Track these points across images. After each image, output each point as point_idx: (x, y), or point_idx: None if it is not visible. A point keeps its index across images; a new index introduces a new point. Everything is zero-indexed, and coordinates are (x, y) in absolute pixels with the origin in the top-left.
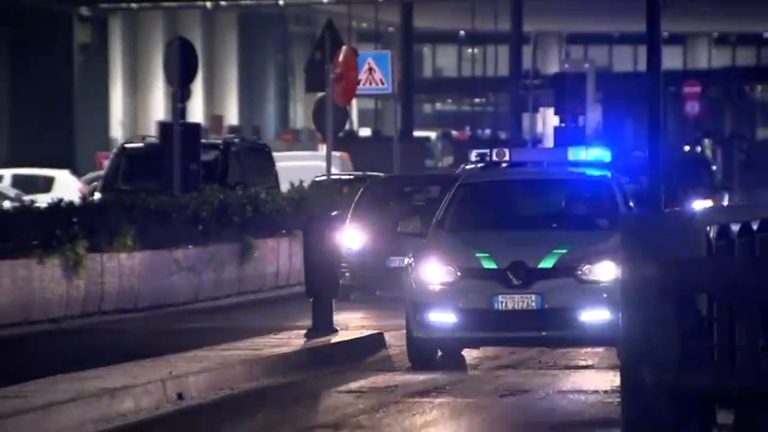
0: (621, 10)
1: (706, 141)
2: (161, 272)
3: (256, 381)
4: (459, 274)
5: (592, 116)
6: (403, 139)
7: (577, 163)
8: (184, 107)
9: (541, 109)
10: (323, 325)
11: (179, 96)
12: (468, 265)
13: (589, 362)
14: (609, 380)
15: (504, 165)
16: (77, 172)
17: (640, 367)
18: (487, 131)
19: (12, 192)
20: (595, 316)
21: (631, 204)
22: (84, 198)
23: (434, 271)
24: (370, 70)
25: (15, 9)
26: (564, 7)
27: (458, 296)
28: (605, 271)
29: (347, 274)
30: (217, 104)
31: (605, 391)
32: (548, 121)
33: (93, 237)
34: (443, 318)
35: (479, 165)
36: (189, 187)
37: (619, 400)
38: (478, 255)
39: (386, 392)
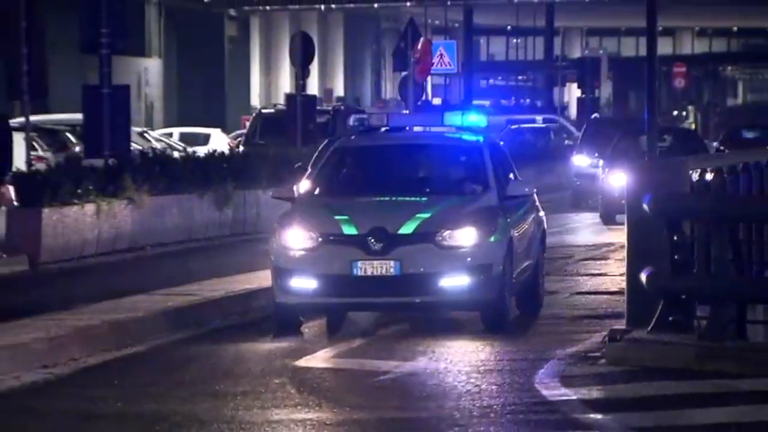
0: (627, 9)
1: (690, 107)
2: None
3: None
4: (320, 239)
5: (605, 89)
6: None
7: (452, 128)
8: (305, 83)
9: (568, 84)
10: None
11: (301, 75)
12: (328, 230)
13: (602, 270)
14: (617, 284)
15: (384, 130)
16: (226, 131)
17: (641, 274)
18: (528, 101)
19: (180, 145)
20: (454, 281)
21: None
22: (231, 150)
23: (296, 237)
24: (441, 55)
25: (182, 11)
26: (584, 8)
27: (318, 262)
28: (465, 236)
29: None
30: (328, 80)
31: (613, 292)
32: (573, 93)
33: (238, 179)
34: (304, 284)
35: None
36: (307, 141)
37: (623, 298)
38: (338, 220)
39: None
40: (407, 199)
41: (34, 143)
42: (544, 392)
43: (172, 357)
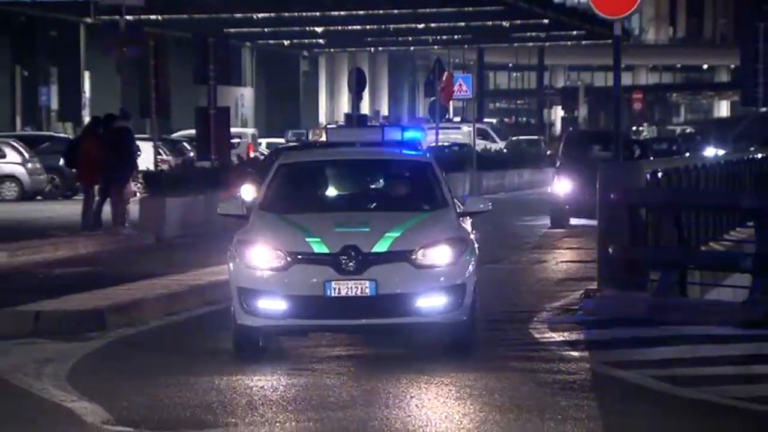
0: (599, 51)
1: (645, 124)
2: None
3: None
4: (289, 258)
5: (582, 110)
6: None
7: (390, 143)
8: (359, 105)
9: (554, 106)
10: None
11: (356, 99)
12: (298, 249)
13: (578, 245)
14: (590, 255)
15: (320, 145)
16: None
17: (608, 246)
18: (524, 119)
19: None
20: (430, 301)
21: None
22: None
23: (262, 255)
24: (460, 85)
25: (269, 52)
26: (566, 50)
27: (288, 282)
28: (440, 254)
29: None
30: (376, 103)
31: (587, 261)
32: (558, 113)
33: None
34: (272, 305)
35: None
36: None
37: (596, 266)
38: (308, 239)
39: None
40: (370, 215)
41: (160, 150)
42: (536, 335)
43: None
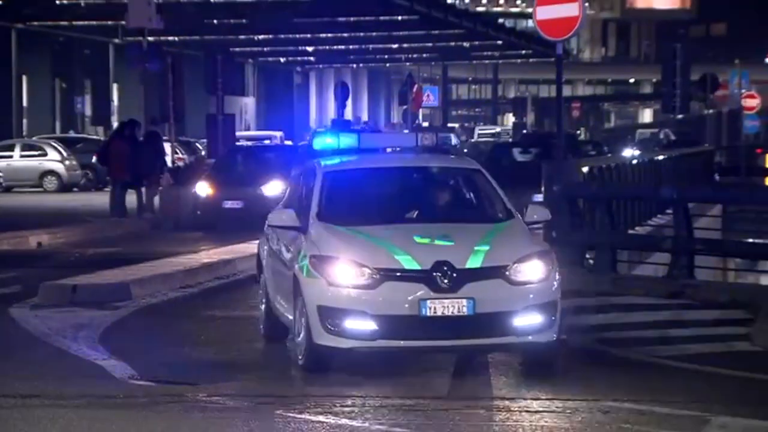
0: (544, 68)
1: (582, 128)
2: None
3: None
4: (377, 276)
5: (530, 117)
6: (444, 128)
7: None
8: (343, 112)
9: (506, 114)
10: None
11: (340, 107)
12: (386, 265)
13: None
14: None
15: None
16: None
17: (552, 231)
18: (481, 123)
19: None
20: (527, 320)
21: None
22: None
23: (346, 273)
24: (428, 95)
25: (268, 67)
26: (516, 67)
27: (379, 301)
28: (534, 270)
29: (198, 212)
30: (357, 111)
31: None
32: (509, 119)
33: None
34: (360, 325)
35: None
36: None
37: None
38: (396, 254)
39: None
40: (446, 227)
41: (177, 149)
42: None
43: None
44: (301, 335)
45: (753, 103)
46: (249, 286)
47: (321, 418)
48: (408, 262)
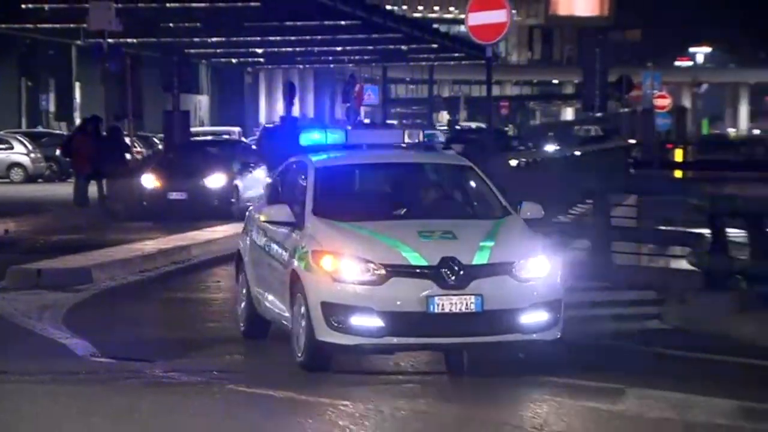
0: (475, 70)
1: (511, 125)
2: None
3: None
4: (383, 272)
5: (462, 115)
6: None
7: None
8: (291, 109)
9: (441, 112)
10: None
11: (288, 105)
12: (393, 261)
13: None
14: None
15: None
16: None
17: None
18: (418, 121)
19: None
20: (534, 317)
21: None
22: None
23: (351, 268)
24: (369, 94)
25: (220, 68)
26: (451, 69)
27: (386, 297)
28: (540, 267)
29: (145, 203)
30: (304, 108)
31: None
32: (444, 117)
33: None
34: (367, 322)
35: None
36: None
37: None
38: (402, 250)
39: None
40: (447, 223)
41: (135, 143)
42: None
43: (218, 263)
44: (300, 332)
45: (664, 102)
46: (203, 271)
47: (271, 392)
48: (415, 259)
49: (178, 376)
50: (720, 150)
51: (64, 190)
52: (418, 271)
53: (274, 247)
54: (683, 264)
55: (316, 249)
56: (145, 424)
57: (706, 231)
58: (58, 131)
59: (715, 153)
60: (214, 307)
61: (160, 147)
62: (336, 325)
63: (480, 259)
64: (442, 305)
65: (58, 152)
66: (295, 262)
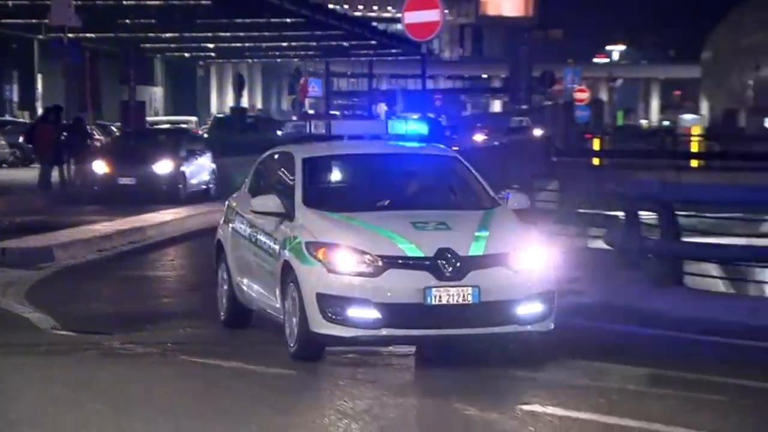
0: (412, 65)
1: (443, 116)
2: None
3: None
4: (380, 263)
5: (399, 107)
6: (327, 116)
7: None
8: (240, 101)
9: (379, 104)
10: None
11: (237, 97)
12: (389, 252)
13: None
14: None
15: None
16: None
17: None
18: (359, 112)
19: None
20: (529, 309)
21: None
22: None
23: (347, 260)
24: (313, 87)
25: (174, 61)
26: (389, 64)
27: (383, 289)
28: (534, 258)
29: (96, 188)
30: (252, 99)
31: None
32: (382, 109)
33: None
34: (364, 314)
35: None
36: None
37: None
38: (398, 242)
39: None
40: (439, 213)
41: (94, 132)
42: None
43: (172, 244)
44: (293, 323)
45: (583, 96)
46: (158, 250)
47: (221, 362)
48: (411, 250)
49: (135, 348)
50: (633, 139)
51: (28, 174)
52: (415, 262)
53: (261, 237)
54: (600, 244)
55: (310, 240)
56: (104, 392)
57: (620, 213)
58: (21, 120)
59: (629, 142)
60: (168, 284)
61: (117, 135)
62: (332, 316)
63: (476, 250)
64: (440, 297)
65: (21, 139)
66: (287, 253)
